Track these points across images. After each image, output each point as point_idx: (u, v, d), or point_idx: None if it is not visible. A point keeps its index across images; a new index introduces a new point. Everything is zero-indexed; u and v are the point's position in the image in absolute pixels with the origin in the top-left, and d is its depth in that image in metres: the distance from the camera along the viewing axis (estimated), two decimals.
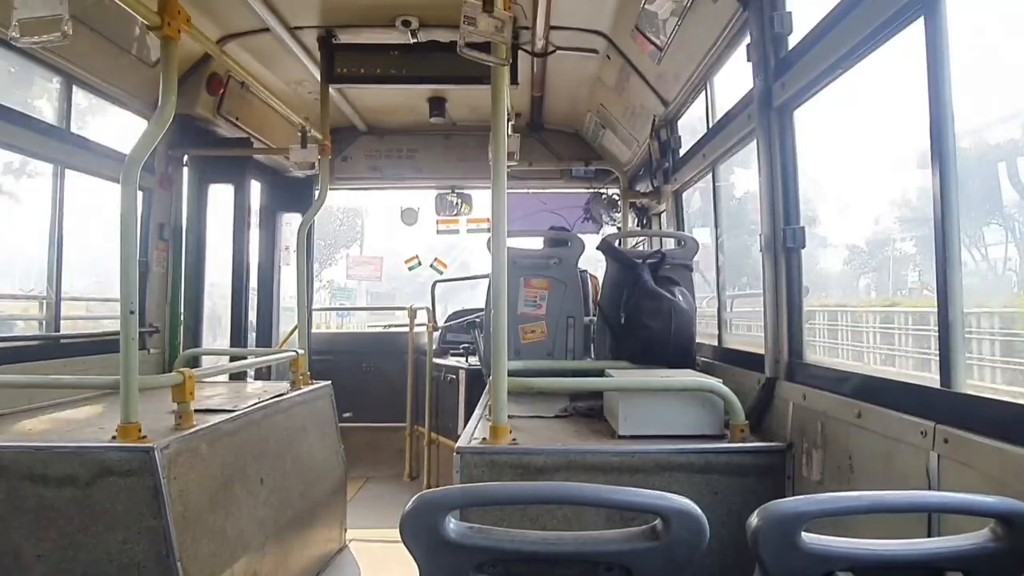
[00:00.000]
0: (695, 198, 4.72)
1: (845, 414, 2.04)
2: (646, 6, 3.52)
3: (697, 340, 3.64)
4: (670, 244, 4.18)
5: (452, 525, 1.25)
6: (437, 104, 5.38)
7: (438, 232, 6.70)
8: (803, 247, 2.54)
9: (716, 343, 3.62)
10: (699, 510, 1.24)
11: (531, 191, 6.33)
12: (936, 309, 1.68)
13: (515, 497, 1.48)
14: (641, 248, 5.11)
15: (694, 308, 3.52)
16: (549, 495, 1.51)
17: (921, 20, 1.71)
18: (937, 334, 1.69)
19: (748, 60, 2.76)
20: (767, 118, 2.63)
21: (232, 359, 4.65)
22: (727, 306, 3.66)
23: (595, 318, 4.04)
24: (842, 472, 2.07)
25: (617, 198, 5.97)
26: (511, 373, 3.11)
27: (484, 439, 2.47)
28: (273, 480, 3.36)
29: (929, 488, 1.61)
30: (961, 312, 1.65)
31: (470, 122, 5.75)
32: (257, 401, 3.42)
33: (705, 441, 2.50)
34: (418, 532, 1.24)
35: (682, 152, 4.21)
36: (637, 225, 5.57)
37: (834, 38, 2.14)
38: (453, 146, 6.10)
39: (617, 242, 4.11)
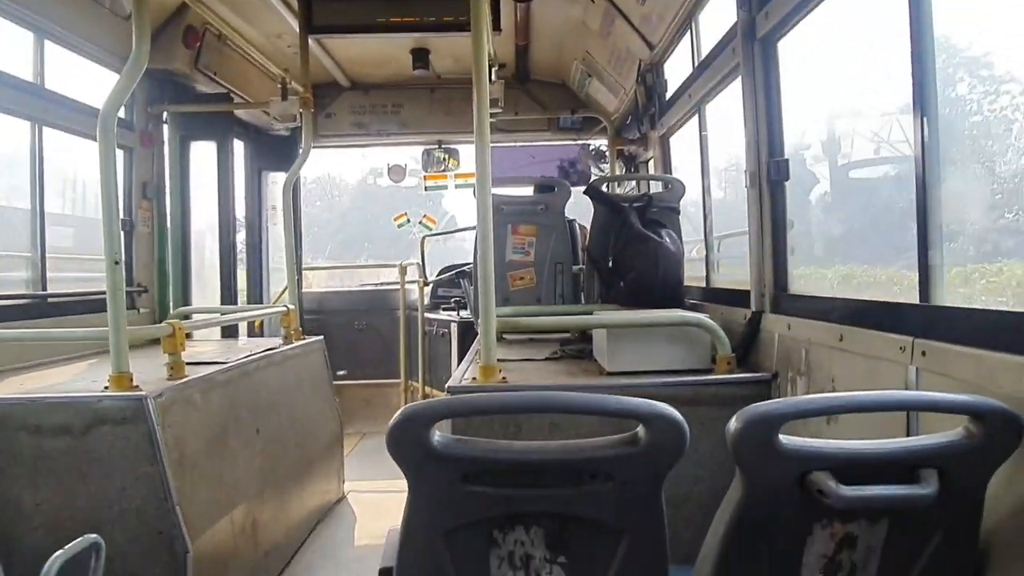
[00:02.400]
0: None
1: (828, 339, 2.07)
2: None
3: (686, 283, 3.68)
4: (658, 188, 4.18)
5: (437, 437, 1.27)
6: (420, 55, 5.28)
7: (426, 189, 6.65)
8: (787, 179, 2.54)
9: (704, 284, 3.65)
10: (678, 414, 1.27)
11: (518, 144, 6.27)
12: (916, 226, 1.70)
13: (498, 406, 1.50)
14: (629, 193, 5.10)
15: (681, 250, 3.53)
16: (533, 403, 1.54)
17: None
18: (917, 251, 1.70)
19: None
20: (751, 50, 2.61)
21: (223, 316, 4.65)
22: (715, 247, 3.67)
23: (584, 265, 4.06)
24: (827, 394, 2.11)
25: (605, 148, 5.93)
26: (500, 317, 3.14)
27: (474, 379, 2.50)
28: (269, 431, 3.40)
29: None
30: (940, 228, 1.67)
31: (455, 74, 5.66)
32: (249, 354, 3.44)
33: (693, 375, 2.54)
34: (404, 445, 1.26)
35: (668, 96, 4.17)
36: (625, 173, 5.55)
37: None
38: (438, 99, 6.02)
39: (604, 187, 4.10)
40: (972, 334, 1.46)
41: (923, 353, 1.59)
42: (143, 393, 2.43)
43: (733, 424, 1.24)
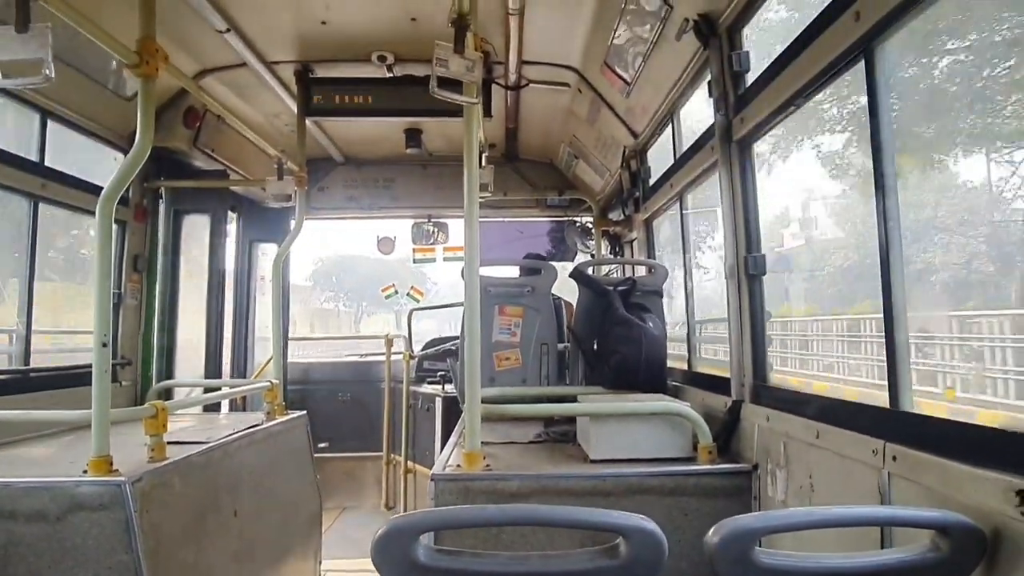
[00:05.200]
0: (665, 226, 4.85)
1: (805, 435, 2.11)
2: (614, 42, 3.66)
3: (669, 364, 3.73)
4: (642, 271, 4.29)
5: (422, 549, 1.28)
6: (413, 136, 5.47)
7: (415, 261, 6.75)
8: (764, 274, 2.64)
9: (686, 367, 3.70)
10: (657, 528, 1.29)
11: (507, 220, 6.43)
12: (884, 334, 1.77)
13: (481, 519, 1.52)
14: (614, 275, 5.21)
15: (664, 333, 3.60)
16: (514, 517, 1.56)
17: (862, 63, 1.83)
18: (885, 357, 1.77)
19: (710, 95, 2.89)
20: (728, 151, 2.75)
21: (206, 391, 4.62)
22: (696, 331, 3.74)
23: (569, 344, 4.11)
24: (803, 491, 2.14)
25: (591, 226, 6.08)
26: (485, 400, 3.16)
27: (458, 466, 2.51)
28: (247, 512, 3.34)
29: (881, 504, 1.68)
30: (907, 336, 1.74)
31: (446, 152, 5.86)
32: (231, 432, 3.41)
33: (675, 464, 2.56)
34: (389, 557, 1.28)
35: (652, 181, 4.33)
36: (610, 252, 5.68)
37: (787, 76, 2.26)
38: (430, 176, 6.19)
39: (591, 270, 4.20)
40: (938, 443, 1.51)
41: (894, 458, 1.64)
42: (122, 479, 2.40)
43: (711, 537, 1.27)
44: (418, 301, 7.45)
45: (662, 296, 3.73)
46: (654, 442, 2.64)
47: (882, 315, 1.75)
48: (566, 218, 6.41)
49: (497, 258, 5.94)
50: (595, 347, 3.56)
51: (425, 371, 6.44)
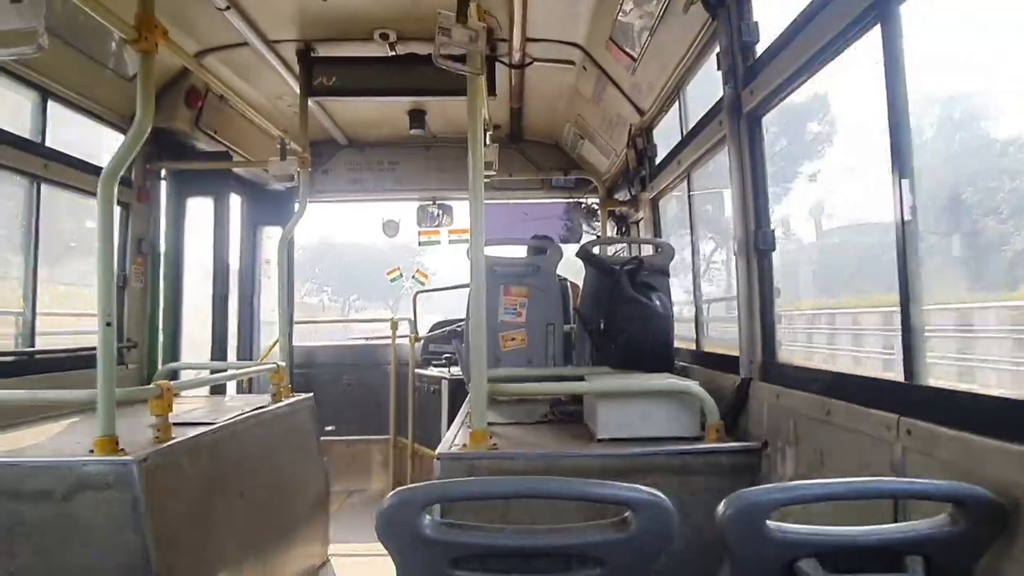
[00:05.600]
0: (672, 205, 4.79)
1: (815, 412, 2.08)
2: (619, 18, 3.59)
3: (676, 344, 3.70)
4: (648, 250, 4.24)
5: (427, 522, 1.26)
6: (417, 116, 5.41)
7: (420, 244, 6.72)
8: (773, 249, 2.60)
9: (694, 347, 3.67)
10: (667, 501, 1.27)
11: (512, 201, 6.38)
12: (899, 308, 1.73)
13: (487, 492, 1.50)
14: (620, 255, 5.17)
15: (671, 313, 3.57)
16: (521, 489, 1.54)
17: (878, 27, 1.78)
18: (900, 331, 1.73)
19: (718, 69, 2.83)
20: (737, 124, 2.70)
21: (212, 373, 4.62)
22: (704, 310, 3.70)
23: (575, 325, 4.08)
24: (813, 468, 2.11)
25: (596, 207, 6.03)
26: (492, 380, 3.14)
27: (464, 445, 2.49)
28: (254, 494, 3.34)
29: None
30: (922, 311, 1.70)
31: (450, 134, 5.80)
32: (237, 414, 3.41)
33: (683, 443, 2.54)
34: (394, 529, 1.26)
35: (658, 160, 4.27)
36: (616, 233, 5.63)
37: (798, 45, 2.21)
38: (433, 158, 6.14)
39: (596, 249, 4.16)
40: (956, 416, 1.48)
41: (908, 432, 1.61)
42: (129, 458, 2.40)
43: (722, 509, 1.24)
44: (423, 284, 7.43)
45: (669, 275, 3.68)
46: (661, 421, 2.61)
47: (898, 288, 1.71)
48: (571, 199, 6.36)
49: (502, 239, 5.91)
50: (601, 327, 3.53)
51: (431, 354, 6.43)
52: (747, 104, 2.62)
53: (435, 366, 6.12)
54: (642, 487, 1.29)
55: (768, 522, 1.22)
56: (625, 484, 1.31)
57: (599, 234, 5.97)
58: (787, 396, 2.32)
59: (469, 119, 2.50)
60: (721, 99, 2.83)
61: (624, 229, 5.44)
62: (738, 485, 2.43)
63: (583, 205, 6.22)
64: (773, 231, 2.59)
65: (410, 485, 1.32)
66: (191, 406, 3.81)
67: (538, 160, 6.15)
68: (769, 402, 2.46)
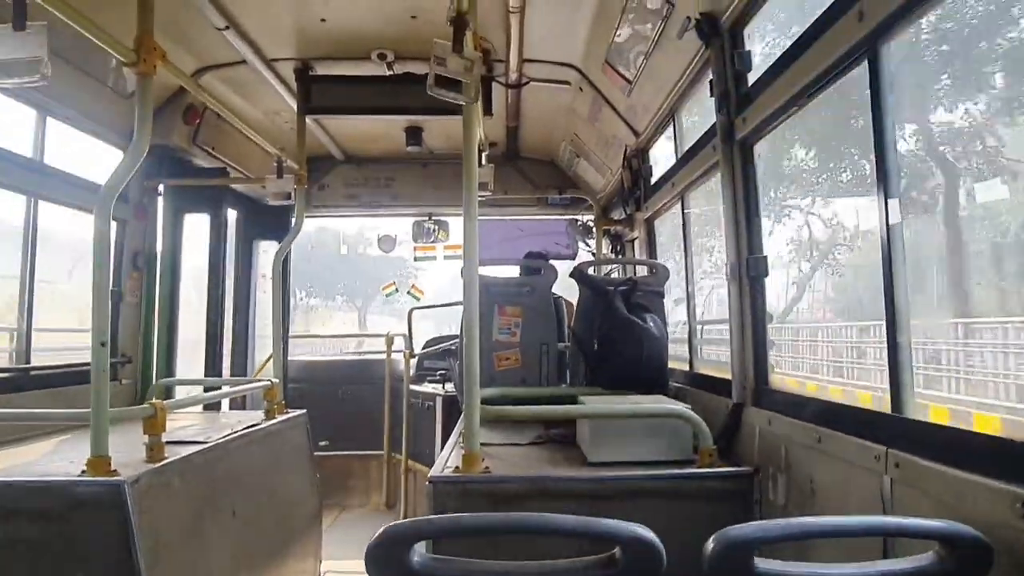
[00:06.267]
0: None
1: (806, 439, 2.09)
2: (615, 40, 3.64)
3: (671, 365, 3.72)
4: (644, 271, 4.26)
5: (417, 557, 1.27)
6: (414, 134, 5.45)
7: (415, 259, 6.74)
8: (766, 275, 2.62)
9: (688, 368, 3.68)
10: (654, 537, 1.28)
11: (508, 218, 6.41)
12: (886, 340, 1.75)
13: (476, 527, 1.51)
14: (616, 275, 5.19)
15: (665, 334, 3.58)
16: (510, 524, 1.54)
17: (866, 63, 1.81)
18: (887, 363, 1.75)
19: (711, 95, 2.87)
20: (730, 151, 2.73)
21: (206, 389, 4.61)
22: (698, 331, 3.72)
23: (570, 344, 4.09)
24: (804, 496, 2.12)
25: (592, 225, 6.06)
26: (485, 400, 3.14)
27: (457, 468, 2.49)
28: (246, 512, 3.33)
29: (883, 511, 1.66)
30: (909, 341, 1.73)
31: (446, 151, 5.84)
32: (230, 432, 3.40)
33: (675, 467, 2.54)
34: (383, 564, 1.26)
35: (653, 181, 4.31)
36: (611, 251, 5.66)
37: (789, 77, 2.24)
38: (430, 174, 6.17)
39: (592, 269, 4.18)
40: (942, 451, 1.49)
41: (896, 465, 1.62)
42: (121, 478, 2.39)
43: (710, 546, 1.25)
44: (418, 300, 7.44)
45: (663, 296, 3.70)
46: (653, 445, 2.62)
47: (884, 321, 1.73)
48: (567, 216, 6.39)
49: (498, 257, 5.92)
50: (596, 347, 3.54)
51: (425, 370, 6.43)
52: (739, 131, 2.65)
53: (430, 382, 6.12)
54: (630, 524, 1.30)
55: (756, 559, 1.23)
56: (612, 521, 1.31)
57: (594, 252, 6.00)
58: (779, 422, 2.34)
59: (464, 145, 2.53)
60: (714, 124, 2.86)
61: (619, 247, 5.47)
62: (730, 510, 2.46)
63: (579, 223, 6.25)
64: (765, 257, 2.62)
65: (397, 522, 1.33)
66: (185, 422, 3.80)
67: (534, 178, 6.18)
68: (761, 427, 2.47)
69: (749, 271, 2.63)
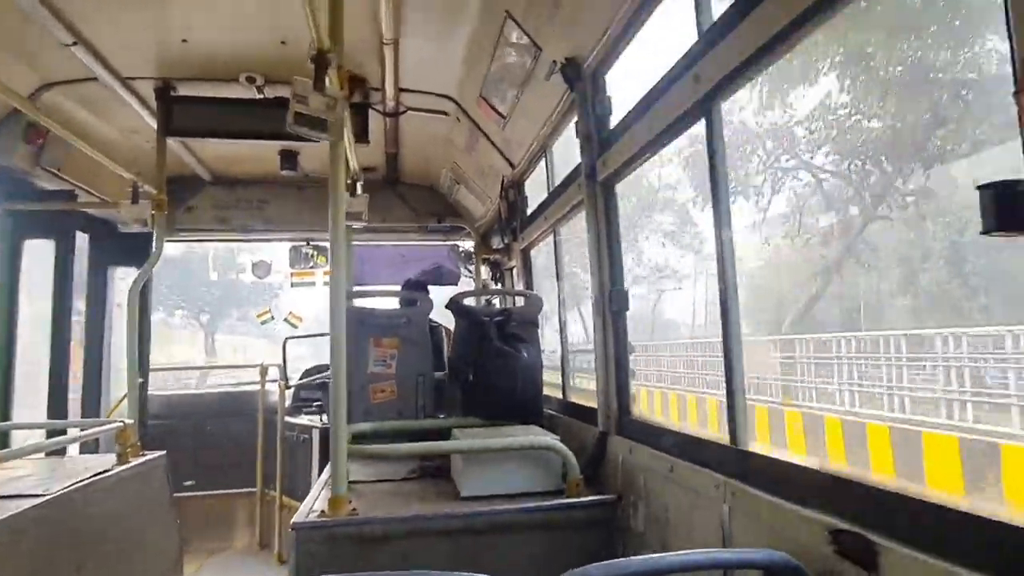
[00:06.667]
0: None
1: (661, 468, 2.21)
2: (489, 76, 3.72)
3: (548, 393, 3.81)
4: (522, 300, 4.35)
5: None
6: (289, 157, 5.26)
7: (292, 285, 6.50)
8: (626, 309, 2.75)
9: (561, 396, 3.78)
10: None
11: (386, 243, 6.34)
12: (723, 375, 1.89)
13: None
14: (498, 302, 5.25)
15: (540, 364, 3.67)
16: None
17: (703, 121, 1.97)
18: (726, 399, 1.89)
19: (576, 136, 3.00)
20: (593, 190, 2.86)
21: (49, 434, 4.19)
22: (571, 360, 3.83)
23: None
24: (660, 523, 2.23)
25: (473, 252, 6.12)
26: (357, 435, 3.08)
27: (323, 512, 2.42)
28: (94, 570, 3.05)
29: (723, 539, 1.78)
30: (743, 381, 1.87)
31: (323, 174, 5.66)
32: (75, 481, 3.11)
33: (546, 498, 2.60)
34: None
35: (529, 212, 4.42)
36: (491, 279, 5.72)
37: (642, 126, 2.39)
38: (307, 198, 5.98)
39: (473, 300, 4.21)
40: (768, 481, 1.62)
41: (733, 494, 1.75)
42: None
43: None
44: (296, 327, 7.12)
45: (538, 326, 3.79)
46: (525, 476, 2.68)
47: (722, 360, 1.87)
48: (449, 243, 6.41)
49: (379, 282, 5.84)
50: (471, 378, 3.57)
51: (302, 400, 6.19)
52: (601, 172, 2.78)
53: (306, 414, 5.89)
54: None
55: None
56: None
57: (481, 278, 6.04)
58: (639, 451, 2.45)
59: (331, 179, 2.50)
60: (579, 165, 2.99)
61: (499, 275, 5.55)
62: (596, 539, 2.54)
63: (461, 250, 6.28)
64: (626, 292, 2.75)
65: None
66: (23, 471, 3.43)
67: (415, 204, 6.15)
68: (624, 456, 2.58)
69: (612, 304, 2.75)
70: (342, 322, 2.48)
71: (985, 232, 0.99)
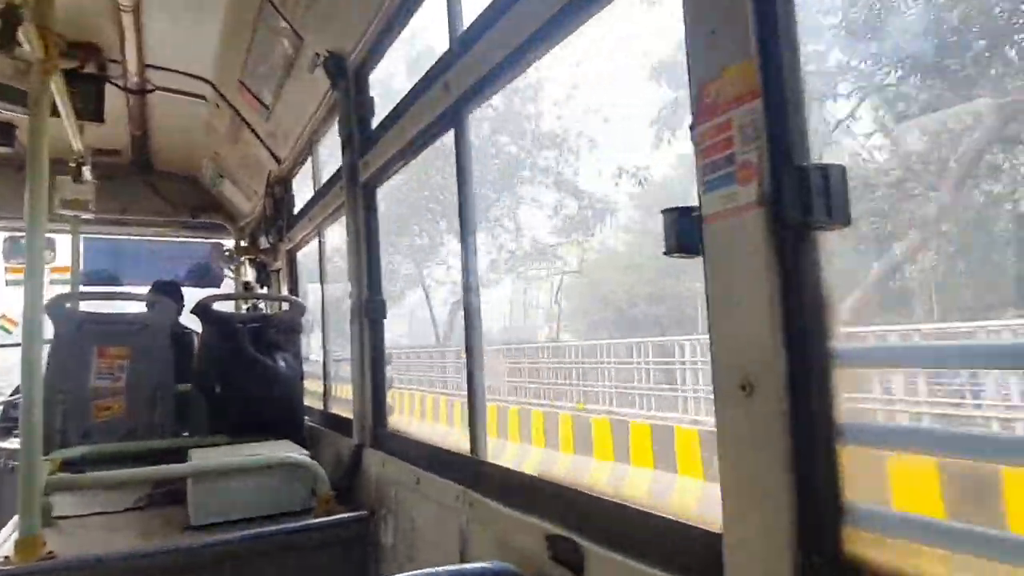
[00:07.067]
0: None
1: (410, 480, 2.16)
2: (249, 62, 3.43)
3: (312, 404, 3.59)
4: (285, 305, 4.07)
5: None
6: (5, 131, 4.40)
7: (7, 284, 5.44)
8: (384, 317, 2.67)
9: (323, 407, 3.60)
10: None
11: (135, 237, 5.60)
12: (466, 384, 1.89)
13: None
14: (263, 307, 4.87)
15: (301, 374, 3.45)
16: None
17: (452, 131, 1.96)
18: (468, 407, 1.89)
19: (340, 135, 2.86)
20: (355, 192, 2.74)
21: None
22: (333, 370, 3.66)
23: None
24: (407, 537, 2.18)
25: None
26: (68, 462, 2.64)
27: (7, 558, 2.00)
28: None
29: (461, 549, 1.77)
30: (483, 387, 1.89)
31: (53, 153, 4.84)
32: None
33: (293, 519, 2.43)
34: None
35: (296, 211, 4.16)
36: (256, 281, 5.30)
37: (399, 130, 2.33)
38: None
39: (232, 304, 3.84)
40: (498, 490, 1.64)
41: (471, 504, 1.74)
42: None
43: None
44: (11, 333, 6.00)
45: (299, 332, 3.56)
46: (269, 497, 2.47)
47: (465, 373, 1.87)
48: (212, 240, 5.83)
49: (137, 281, 5.13)
50: (218, 390, 3.24)
51: (12, 421, 5.19)
52: (362, 174, 2.68)
53: (16, 436, 4.95)
54: None
55: None
56: None
57: (244, 280, 5.56)
58: (391, 464, 2.38)
59: (29, 160, 2.10)
60: (341, 167, 2.85)
61: (265, 277, 5.16)
62: (348, 557, 2.42)
63: (225, 249, 5.75)
64: (383, 300, 2.67)
65: None
66: None
67: (172, 196, 5.50)
68: (377, 470, 2.49)
69: (370, 313, 2.65)
70: (39, 329, 2.11)
71: (667, 253, 1.06)
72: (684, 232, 1.03)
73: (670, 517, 1.17)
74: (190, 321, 3.80)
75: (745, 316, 0.94)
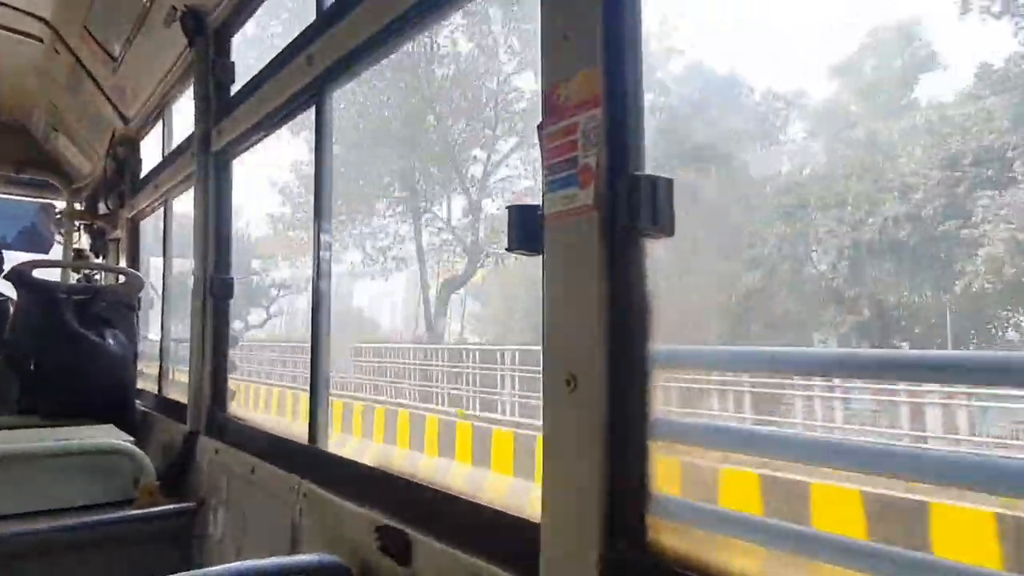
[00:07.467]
0: None
1: (244, 470, 2.05)
2: (95, 6, 3.10)
3: (147, 387, 3.32)
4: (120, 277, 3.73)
5: None
6: None
7: None
8: (231, 297, 2.52)
9: (158, 391, 3.33)
10: None
11: None
12: (309, 372, 1.83)
13: None
14: (100, 278, 4.42)
15: (134, 353, 3.18)
16: None
17: (314, 108, 1.88)
18: (309, 394, 1.82)
19: (194, 99, 2.66)
20: (206, 162, 2.55)
21: None
22: (171, 350, 3.40)
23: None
24: (238, 529, 2.07)
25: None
26: None
27: None
28: None
29: (292, 542, 1.70)
30: (327, 375, 1.83)
31: None
32: None
33: (109, 510, 2.23)
34: None
35: (142, 176, 3.82)
36: (91, 249, 4.81)
37: (258, 99, 2.20)
38: None
39: (58, 272, 3.43)
40: (334, 480, 1.60)
41: (305, 495, 1.68)
42: None
43: None
44: None
45: (135, 309, 3.28)
46: (82, 487, 2.26)
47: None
48: (43, 200, 5.22)
49: None
50: (32, 366, 2.91)
51: None
52: (216, 143, 2.50)
53: None
54: None
55: None
56: None
57: (76, 247, 5.01)
58: (225, 452, 2.25)
59: None
60: (192, 133, 2.65)
61: (102, 246, 4.69)
62: (170, 552, 2.25)
63: (57, 211, 5.16)
64: (232, 279, 2.52)
65: None
66: None
67: None
68: (210, 458, 2.34)
69: (215, 290, 2.49)
70: None
71: (509, 249, 1.08)
72: (527, 229, 1.05)
73: (495, 507, 1.19)
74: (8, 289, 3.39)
75: (575, 313, 0.97)
